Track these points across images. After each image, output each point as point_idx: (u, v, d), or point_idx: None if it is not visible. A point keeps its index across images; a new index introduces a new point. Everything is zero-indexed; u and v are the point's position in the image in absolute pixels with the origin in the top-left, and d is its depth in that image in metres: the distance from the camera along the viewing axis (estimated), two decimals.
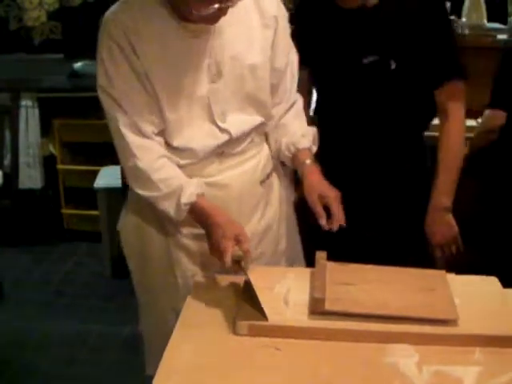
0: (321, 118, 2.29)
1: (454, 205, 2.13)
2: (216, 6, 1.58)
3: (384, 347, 1.50)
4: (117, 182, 3.46)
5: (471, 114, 2.61)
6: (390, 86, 2.08)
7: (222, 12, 1.64)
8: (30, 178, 4.06)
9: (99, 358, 3.10)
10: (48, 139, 4.10)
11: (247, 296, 1.64)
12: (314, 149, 1.96)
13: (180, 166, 1.79)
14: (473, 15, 3.75)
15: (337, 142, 2.19)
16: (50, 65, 4.25)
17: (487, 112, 2.45)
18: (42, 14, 4.28)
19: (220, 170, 1.85)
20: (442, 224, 2.14)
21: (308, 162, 1.91)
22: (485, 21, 3.77)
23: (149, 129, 1.73)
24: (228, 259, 1.64)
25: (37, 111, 3.96)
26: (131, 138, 1.72)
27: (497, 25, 3.96)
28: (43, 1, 4.24)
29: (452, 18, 3.77)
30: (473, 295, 1.69)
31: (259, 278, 1.66)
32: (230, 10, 1.66)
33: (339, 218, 1.80)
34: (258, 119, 1.86)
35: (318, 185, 1.87)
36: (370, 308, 1.57)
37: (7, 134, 4.05)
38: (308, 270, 1.76)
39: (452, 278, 1.75)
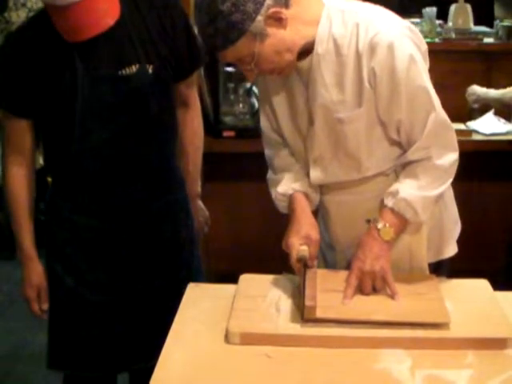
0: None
1: None
2: None
3: (376, 353, 1.50)
4: None
5: (458, 117, 2.60)
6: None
7: None
8: None
9: None
10: (39, 152, 4.08)
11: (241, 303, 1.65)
12: None
13: None
14: (459, 19, 3.78)
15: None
16: None
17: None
18: None
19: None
20: (197, 209, 2.24)
21: None
22: (471, 24, 3.80)
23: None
24: (293, 254, 1.70)
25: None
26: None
27: (483, 28, 4.00)
28: (31, 15, 4.23)
29: (439, 22, 3.81)
30: (464, 298, 1.70)
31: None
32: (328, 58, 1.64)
33: None
34: (351, 175, 1.76)
35: None
36: (362, 314, 1.58)
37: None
38: (298, 278, 1.76)
39: (443, 281, 1.76)
